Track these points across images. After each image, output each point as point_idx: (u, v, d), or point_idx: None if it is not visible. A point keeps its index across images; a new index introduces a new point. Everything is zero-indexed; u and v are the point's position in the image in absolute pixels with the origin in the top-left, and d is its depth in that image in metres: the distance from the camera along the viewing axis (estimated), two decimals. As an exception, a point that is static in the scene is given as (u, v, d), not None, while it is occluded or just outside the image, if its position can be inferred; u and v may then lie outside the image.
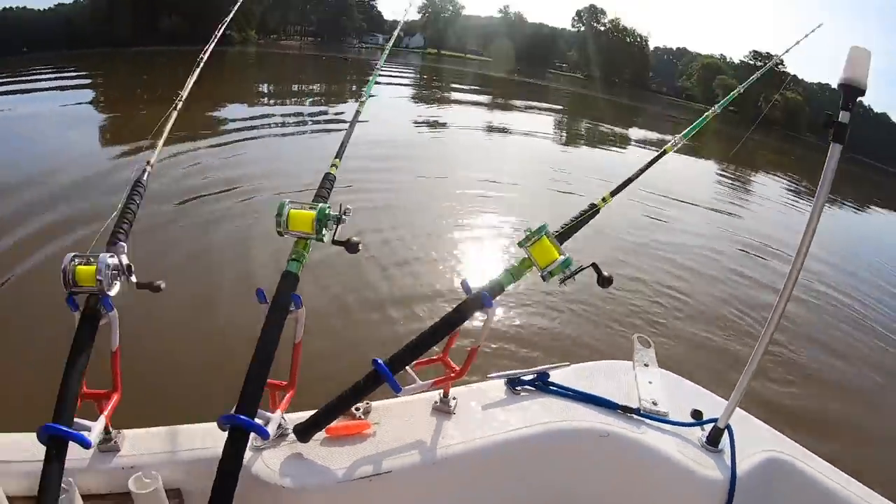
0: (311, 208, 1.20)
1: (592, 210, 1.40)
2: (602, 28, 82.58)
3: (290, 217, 1.18)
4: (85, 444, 1.05)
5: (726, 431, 1.48)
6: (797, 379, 4.45)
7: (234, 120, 10.91)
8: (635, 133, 20.10)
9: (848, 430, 3.94)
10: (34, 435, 1.05)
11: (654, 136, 20.54)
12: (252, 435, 1.09)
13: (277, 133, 10.75)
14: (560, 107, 22.38)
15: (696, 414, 1.56)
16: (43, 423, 1.01)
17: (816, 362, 4.92)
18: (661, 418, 1.52)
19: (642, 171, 1.51)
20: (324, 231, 1.18)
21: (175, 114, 1.40)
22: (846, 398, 4.48)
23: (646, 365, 1.78)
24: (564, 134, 17.55)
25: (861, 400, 4.55)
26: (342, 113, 11.61)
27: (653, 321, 4.82)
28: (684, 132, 1.58)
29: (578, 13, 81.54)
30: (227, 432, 1.08)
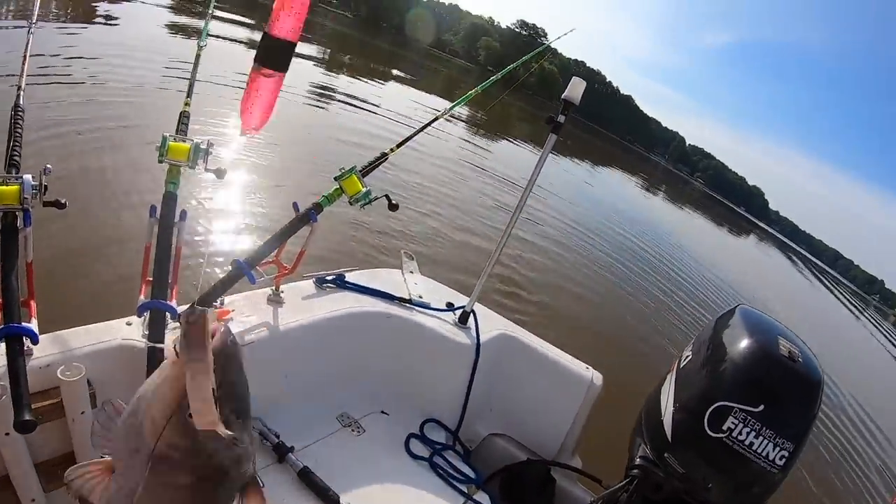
0: (186, 142, 1.58)
1: (384, 156, 2.01)
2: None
3: (169, 148, 1.56)
4: (34, 339, 1.27)
5: (472, 314, 2.29)
6: (515, 282, 6.56)
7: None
8: (391, 86, 21.39)
9: (546, 313, 6.21)
10: None
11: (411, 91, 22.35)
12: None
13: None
14: (323, 47, 22.74)
15: (449, 304, 2.35)
16: None
17: (530, 271, 7.23)
18: (426, 305, 2.27)
19: (420, 130, 2.12)
20: (198, 161, 1.59)
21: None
22: (550, 294, 6.83)
23: (411, 272, 2.53)
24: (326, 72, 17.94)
25: (558, 294, 6.95)
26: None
27: (416, 241, 6.33)
28: (454, 103, 2.24)
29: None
30: (143, 318, 1.47)
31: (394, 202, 1.94)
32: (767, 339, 1.75)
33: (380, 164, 1.99)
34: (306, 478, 1.67)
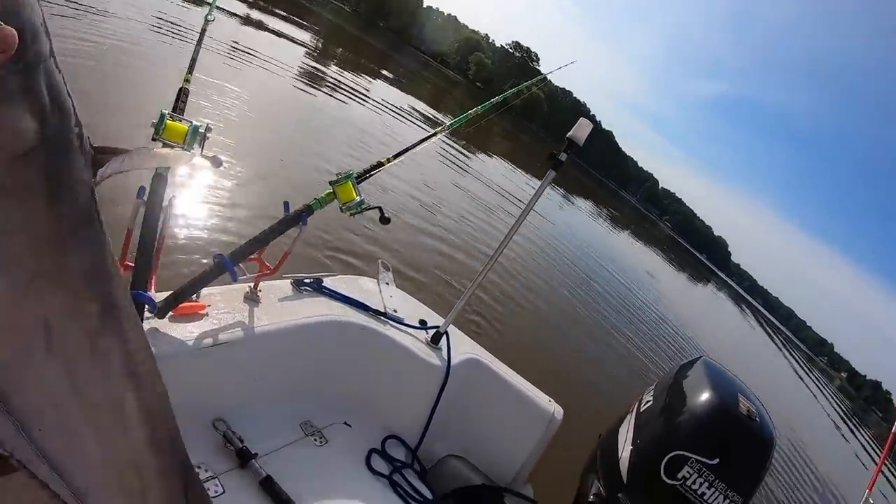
0: (184, 122, 1.52)
1: (380, 165, 1.99)
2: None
3: (166, 127, 1.49)
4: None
5: (445, 335, 2.28)
6: (486, 306, 6.52)
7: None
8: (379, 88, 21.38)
9: (513, 340, 6.26)
10: None
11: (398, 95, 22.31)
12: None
13: None
14: (315, 38, 22.79)
15: (422, 322, 2.33)
16: None
17: (501, 295, 7.24)
18: (400, 321, 2.24)
19: (417, 144, 2.11)
20: (194, 145, 1.52)
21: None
22: (518, 321, 6.93)
23: (386, 283, 2.50)
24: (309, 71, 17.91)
25: (525, 322, 7.06)
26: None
27: (393, 251, 6.26)
28: (455, 120, 2.24)
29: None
30: None
31: (386, 215, 1.91)
32: (728, 395, 1.80)
33: (375, 173, 1.97)
34: (269, 487, 1.61)
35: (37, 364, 0.54)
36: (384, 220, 1.92)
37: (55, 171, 0.54)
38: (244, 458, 1.66)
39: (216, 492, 1.55)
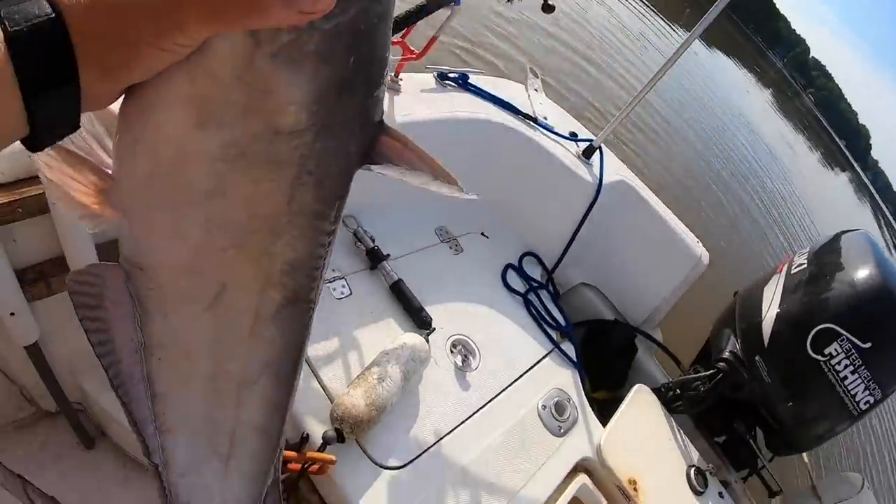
0: None
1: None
2: None
3: None
4: None
5: (598, 151, 2.01)
6: (638, 142, 6.23)
7: None
8: None
9: (663, 178, 5.97)
10: None
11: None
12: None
13: None
14: None
15: (573, 134, 2.06)
16: None
17: (655, 136, 6.89)
18: (551, 129, 1.98)
19: None
20: None
21: None
22: (668, 164, 6.58)
23: (535, 90, 2.20)
24: None
25: (675, 167, 6.70)
26: None
27: (543, 60, 5.82)
28: None
29: None
30: None
31: (550, 3, 1.63)
32: (892, 276, 1.60)
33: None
34: (399, 291, 1.51)
35: (190, 311, 0.50)
36: (548, 8, 1.64)
37: (315, 157, 0.43)
38: (375, 258, 1.55)
39: (342, 293, 1.46)
